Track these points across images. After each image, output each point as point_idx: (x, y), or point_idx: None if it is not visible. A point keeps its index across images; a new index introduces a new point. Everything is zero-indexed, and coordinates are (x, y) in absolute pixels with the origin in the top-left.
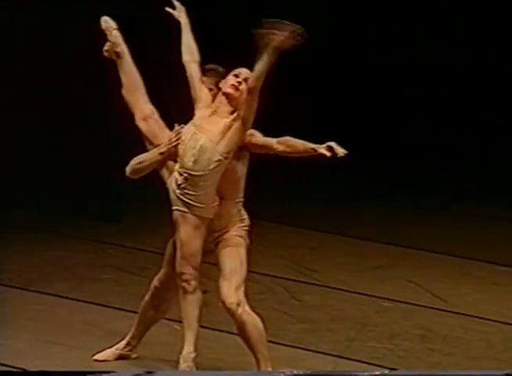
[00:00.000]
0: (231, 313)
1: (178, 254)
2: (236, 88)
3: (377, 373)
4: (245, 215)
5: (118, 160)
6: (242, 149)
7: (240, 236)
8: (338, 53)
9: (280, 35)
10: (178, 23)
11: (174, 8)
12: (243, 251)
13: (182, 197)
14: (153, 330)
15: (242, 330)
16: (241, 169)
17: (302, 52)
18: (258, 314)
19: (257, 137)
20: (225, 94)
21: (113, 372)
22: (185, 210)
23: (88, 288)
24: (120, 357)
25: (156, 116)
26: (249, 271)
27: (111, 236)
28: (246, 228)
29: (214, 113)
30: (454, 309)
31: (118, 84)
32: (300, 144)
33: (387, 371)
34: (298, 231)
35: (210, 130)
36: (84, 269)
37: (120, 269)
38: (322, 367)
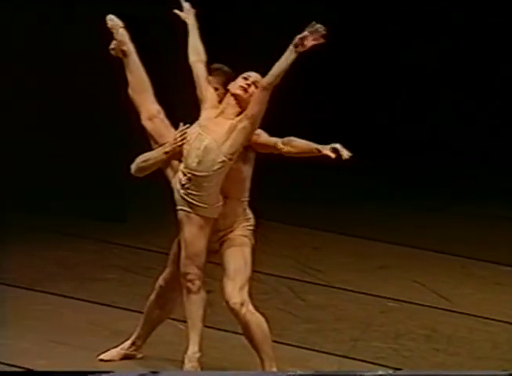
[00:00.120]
0: (235, 313)
1: (183, 253)
2: (245, 90)
3: (382, 373)
4: (250, 215)
5: (123, 160)
6: (247, 149)
7: (245, 236)
8: (338, 53)
9: (307, 36)
10: (184, 24)
11: (182, 9)
12: (247, 251)
13: (186, 197)
14: (158, 330)
15: (246, 330)
16: (246, 169)
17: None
18: (263, 314)
19: (262, 137)
20: (233, 95)
21: (112, 372)
22: (189, 210)
23: (93, 288)
24: (126, 357)
25: (162, 115)
26: (253, 271)
27: (116, 236)
28: (251, 227)
29: (220, 114)
30: (459, 309)
31: (124, 83)
32: (304, 144)
33: (391, 371)
34: (303, 231)
35: (216, 131)
36: (89, 269)
37: (125, 268)
38: (326, 367)
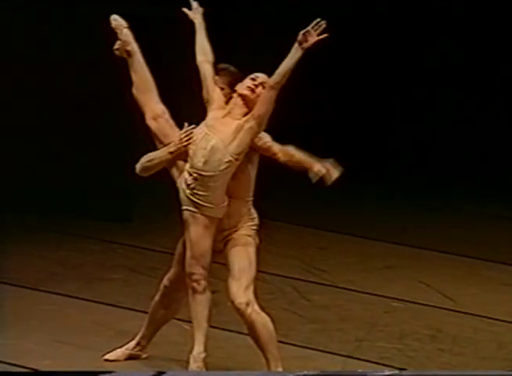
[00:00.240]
0: (240, 313)
1: (188, 254)
2: (253, 91)
3: (388, 373)
4: (255, 215)
5: (128, 160)
6: (252, 149)
7: (250, 236)
8: (338, 53)
9: (310, 32)
10: (191, 24)
11: (190, 8)
12: (252, 251)
13: (191, 197)
14: (163, 330)
15: (251, 330)
16: (251, 169)
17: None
18: (268, 314)
19: (262, 141)
20: (241, 95)
21: (115, 372)
22: (195, 210)
23: (97, 288)
24: (131, 357)
25: (166, 115)
26: (258, 271)
27: (121, 236)
28: (255, 227)
29: (227, 114)
30: (464, 309)
31: (129, 83)
32: (301, 157)
33: (396, 371)
34: (308, 231)
35: (223, 131)
36: (94, 269)
37: (130, 269)
38: (331, 367)
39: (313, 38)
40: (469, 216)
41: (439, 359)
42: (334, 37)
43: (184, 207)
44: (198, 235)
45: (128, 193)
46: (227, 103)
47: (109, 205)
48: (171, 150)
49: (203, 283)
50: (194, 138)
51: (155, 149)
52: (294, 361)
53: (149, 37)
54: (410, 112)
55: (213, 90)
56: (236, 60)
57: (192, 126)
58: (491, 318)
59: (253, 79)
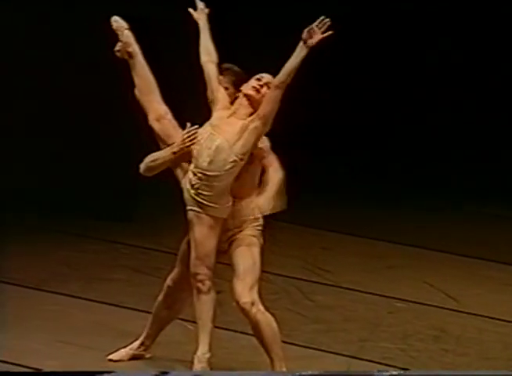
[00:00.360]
0: (245, 313)
1: (193, 254)
2: (258, 91)
3: (393, 373)
4: (259, 215)
5: (131, 160)
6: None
7: (254, 236)
8: (337, 54)
9: (314, 29)
10: (194, 24)
11: (196, 8)
12: (256, 251)
13: (196, 197)
14: (167, 330)
15: (256, 330)
16: (255, 169)
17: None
18: (272, 314)
19: (261, 150)
20: (246, 96)
21: (114, 372)
22: (200, 210)
23: (101, 288)
24: (134, 357)
25: (169, 116)
26: (262, 271)
27: (124, 236)
28: (259, 227)
29: (233, 114)
30: (467, 309)
31: (131, 84)
32: (271, 185)
33: (400, 372)
34: (311, 231)
35: (228, 131)
36: (97, 269)
37: (134, 269)
38: (335, 368)
39: (318, 36)
40: (469, 216)
41: (443, 360)
42: (336, 36)
43: (188, 208)
44: (203, 235)
45: (131, 193)
46: (232, 103)
47: (113, 205)
48: (175, 150)
49: (207, 283)
50: (199, 138)
51: (158, 149)
52: (298, 361)
53: (150, 38)
54: (410, 112)
55: (217, 90)
56: (238, 60)
57: (195, 126)
58: (494, 318)
59: (258, 79)
